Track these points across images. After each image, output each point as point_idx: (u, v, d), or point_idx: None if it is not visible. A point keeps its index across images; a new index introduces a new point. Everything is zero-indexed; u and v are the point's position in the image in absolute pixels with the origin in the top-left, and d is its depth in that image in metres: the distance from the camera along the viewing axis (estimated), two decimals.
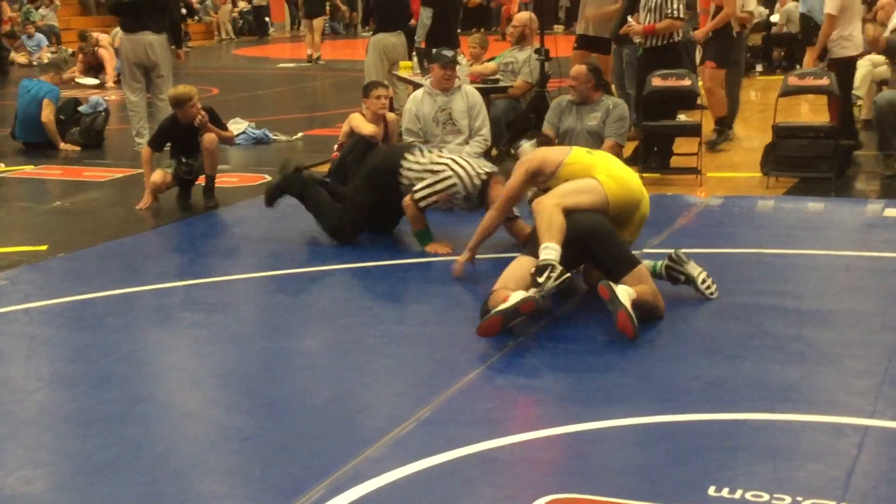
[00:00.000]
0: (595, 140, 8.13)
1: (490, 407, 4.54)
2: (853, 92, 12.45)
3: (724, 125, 10.73)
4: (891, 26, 12.74)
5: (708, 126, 10.34)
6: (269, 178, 9.52)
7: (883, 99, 9.10)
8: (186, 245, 7.65)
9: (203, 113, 8.37)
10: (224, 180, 9.10)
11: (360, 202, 7.16)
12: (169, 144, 8.57)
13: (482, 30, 26.74)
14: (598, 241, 5.51)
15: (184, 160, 8.49)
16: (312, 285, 6.50)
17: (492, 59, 10.44)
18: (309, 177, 7.51)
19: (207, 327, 5.70)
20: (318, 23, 22.56)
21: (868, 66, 11.88)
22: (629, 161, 9.17)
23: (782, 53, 17.42)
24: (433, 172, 6.94)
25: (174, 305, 6.09)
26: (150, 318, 5.87)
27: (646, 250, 6.85)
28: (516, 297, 5.19)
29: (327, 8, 27.46)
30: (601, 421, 4.29)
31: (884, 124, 9.07)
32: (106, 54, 18.31)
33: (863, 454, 3.98)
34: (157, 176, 8.41)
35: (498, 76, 9.84)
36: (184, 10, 25.07)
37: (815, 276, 6.38)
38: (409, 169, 7.03)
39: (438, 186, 6.89)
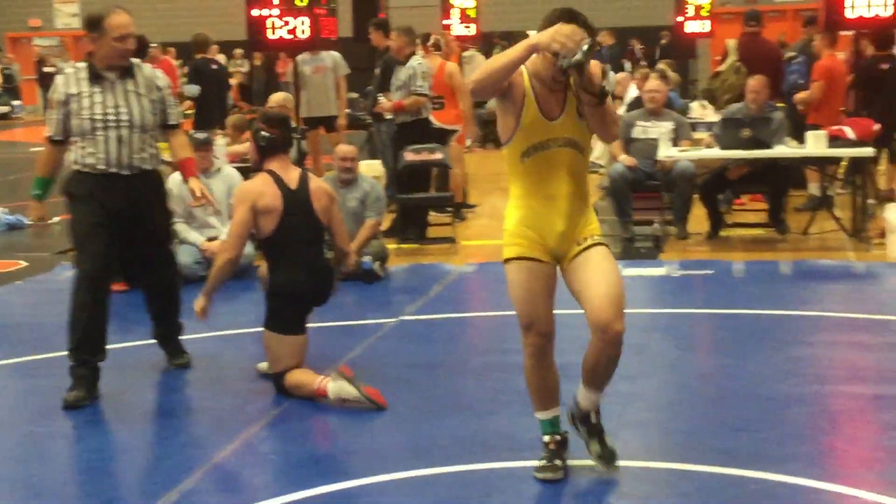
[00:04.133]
0: (356, 221, 8.38)
1: (252, 473, 4.69)
2: (595, 160, 13.32)
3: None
4: (627, 100, 13.70)
5: None
6: (24, 263, 9.37)
7: (615, 171, 9.79)
8: None
9: None
10: None
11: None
12: None
13: (250, 107, 26.77)
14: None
15: None
16: None
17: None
18: None
19: None
20: None
21: None
22: (388, 233, 9.57)
23: None
24: None
25: None
26: None
27: (403, 317, 7.18)
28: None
29: None
30: (362, 479, 4.52)
31: (618, 194, 9.76)
32: None
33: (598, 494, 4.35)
34: None
35: None
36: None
37: (559, 334, 6.76)
38: None
39: None
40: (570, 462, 4.56)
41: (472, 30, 17.67)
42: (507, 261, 4.42)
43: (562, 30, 4.02)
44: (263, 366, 5.98)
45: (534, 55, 4.16)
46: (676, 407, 5.45)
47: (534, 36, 4.09)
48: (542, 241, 4.36)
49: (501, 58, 4.10)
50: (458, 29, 17.26)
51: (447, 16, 17.79)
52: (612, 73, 14.45)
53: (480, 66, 4.25)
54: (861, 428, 5.18)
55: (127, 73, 5.82)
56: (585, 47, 3.99)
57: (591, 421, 4.56)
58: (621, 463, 4.58)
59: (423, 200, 10.12)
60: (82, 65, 5.83)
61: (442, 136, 10.72)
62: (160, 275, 6.21)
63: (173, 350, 6.32)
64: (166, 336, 6.32)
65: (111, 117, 5.74)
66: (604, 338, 4.32)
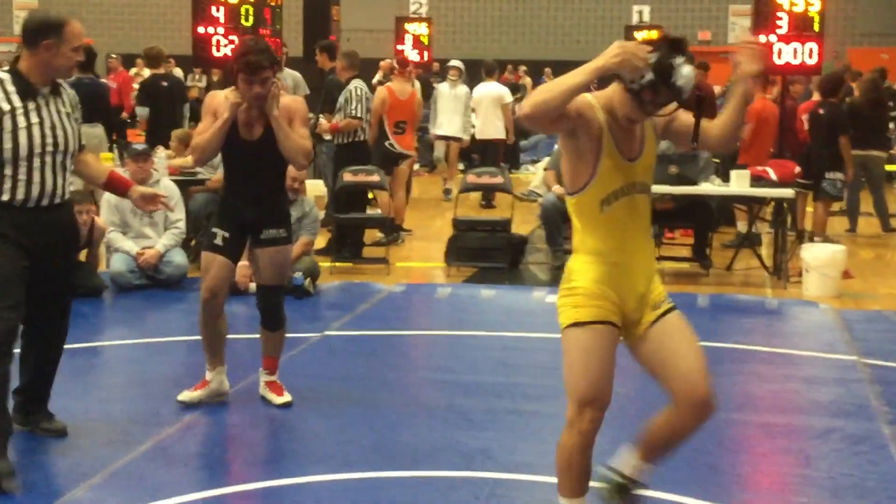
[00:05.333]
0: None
1: (158, 473, 4.88)
2: (534, 189, 13.60)
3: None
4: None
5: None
6: None
7: (548, 201, 10.06)
8: None
9: None
10: None
11: None
12: None
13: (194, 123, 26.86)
14: None
15: None
16: None
17: None
18: None
19: None
20: None
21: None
22: (323, 252, 9.79)
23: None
24: None
25: None
26: None
27: (327, 332, 7.40)
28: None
29: None
30: (264, 482, 4.75)
31: (550, 222, 10.03)
32: None
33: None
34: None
35: (197, 169, 10.20)
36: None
37: (475, 354, 7.07)
38: None
39: None
40: (459, 474, 4.80)
41: (424, 56, 18.00)
42: (575, 324, 3.80)
43: (626, 46, 3.58)
44: (185, 396, 5.91)
45: (611, 90, 3.76)
46: None
47: (597, 58, 3.59)
48: (621, 304, 3.83)
49: (564, 81, 3.57)
50: (411, 55, 17.57)
51: (401, 41, 18.11)
52: None
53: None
54: (745, 453, 5.45)
55: (55, 89, 4.90)
56: (653, 62, 3.60)
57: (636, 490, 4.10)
58: (513, 476, 4.83)
59: (359, 221, 10.37)
60: (6, 75, 4.82)
61: (396, 160, 11.05)
62: (58, 323, 5.17)
63: (45, 412, 5.31)
64: (41, 395, 5.29)
65: (49, 141, 4.80)
66: (697, 413, 3.92)
